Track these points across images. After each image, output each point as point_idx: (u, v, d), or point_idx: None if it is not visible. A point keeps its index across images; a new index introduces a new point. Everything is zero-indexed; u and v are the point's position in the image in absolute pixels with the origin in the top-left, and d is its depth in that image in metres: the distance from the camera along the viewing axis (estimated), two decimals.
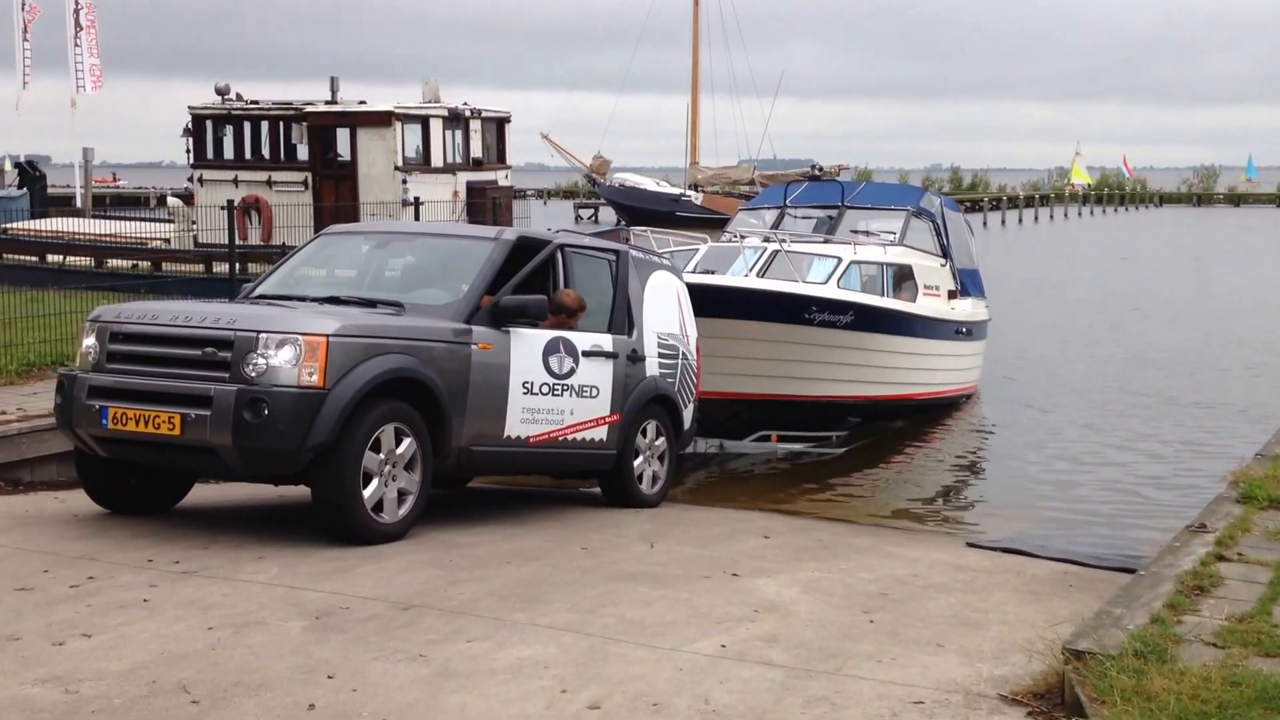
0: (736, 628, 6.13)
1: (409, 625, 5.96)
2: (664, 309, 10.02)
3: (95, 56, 32.39)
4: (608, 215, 65.47)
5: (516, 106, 26.39)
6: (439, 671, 5.36)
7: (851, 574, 7.54)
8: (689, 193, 59.17)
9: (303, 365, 7.30)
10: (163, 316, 7.77)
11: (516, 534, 8.22)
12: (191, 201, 24.50)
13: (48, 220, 23.64)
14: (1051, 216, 78.44)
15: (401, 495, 7.75)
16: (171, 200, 30.19)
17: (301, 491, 8.91)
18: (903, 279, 15.87)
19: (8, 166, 37.26)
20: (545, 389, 8.68)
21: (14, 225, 23.18)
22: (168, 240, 22.74)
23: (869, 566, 7.82)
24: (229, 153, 23.69)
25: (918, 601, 6.90)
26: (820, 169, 54.92)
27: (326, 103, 23.38)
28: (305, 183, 22.78)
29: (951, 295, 17.09)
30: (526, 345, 8.55)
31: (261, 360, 7.32)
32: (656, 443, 9.84)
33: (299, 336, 7.35)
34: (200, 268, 20.07)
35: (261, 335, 7.37)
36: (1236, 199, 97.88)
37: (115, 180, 76.21)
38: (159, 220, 25.66)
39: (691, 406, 10.30)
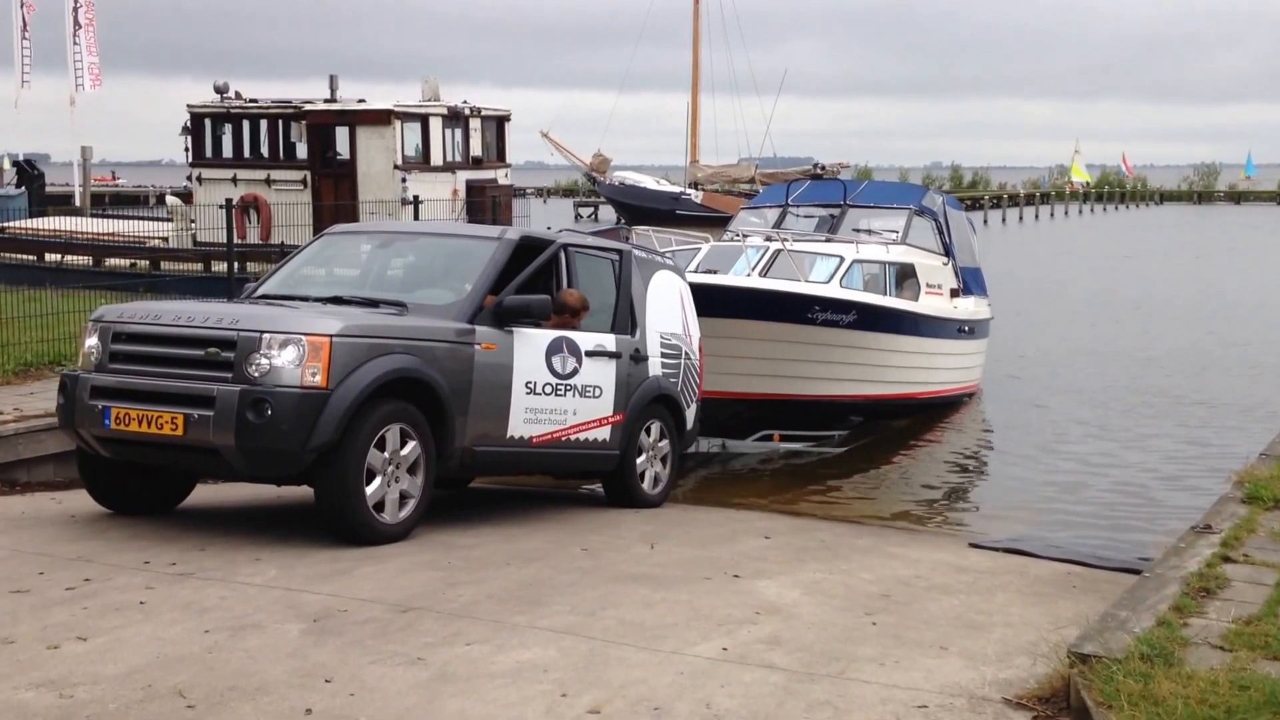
0: (738, 630, 6.07)
1: (407, 628, 5.90)
2: (667, 309, 9.99)
3: (94, 55, 32.32)
4: (607, 214, 65.41)
5: (516, 105, 26.37)
6: (437, 675, 5.31)
7: (853, 575, 7.48)
8: (689, 191, 59.12)
9: (306, 365, 7.27)
10: (165, 316, 7.74)
11: (516, 535, 8.16)
12: (190, 200, 24.44)
13: (46, 219, 23.58)
14: (1052, 215, 78.39)
15: (404, 497, 7.71)
16: (170, 199, 30.12)
17: (299, 492, 8.88)
18: (905, 278, 15.84)
19: (6, 165, 37.24)
20: (548, 389, 8.65)
21: (12, 224, 23.13)
22: (166, 239, 22.67)
23: (871, 567, 7.76)
24: (228, 151, 23.62)
25: (920, 603, 6.84)
26: (823, 167, 54.89)
27: (326, 101, 23.31)
28: (304, 181, 22.72)
29: (954, 294, 17.05)
30: (530, 345, 8.52)
31: (264, 360, 7.29)
32: (659, 443, 9.80)
33: (302, 337, 7.32)
34: (199, 267, 20.00)
35: (265, 335, 7.34)
36: (1237, 197, 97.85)
37: (114, 179, 76.18)
38: (157, 219, 25.57)
39: (694, 406, 10.26)
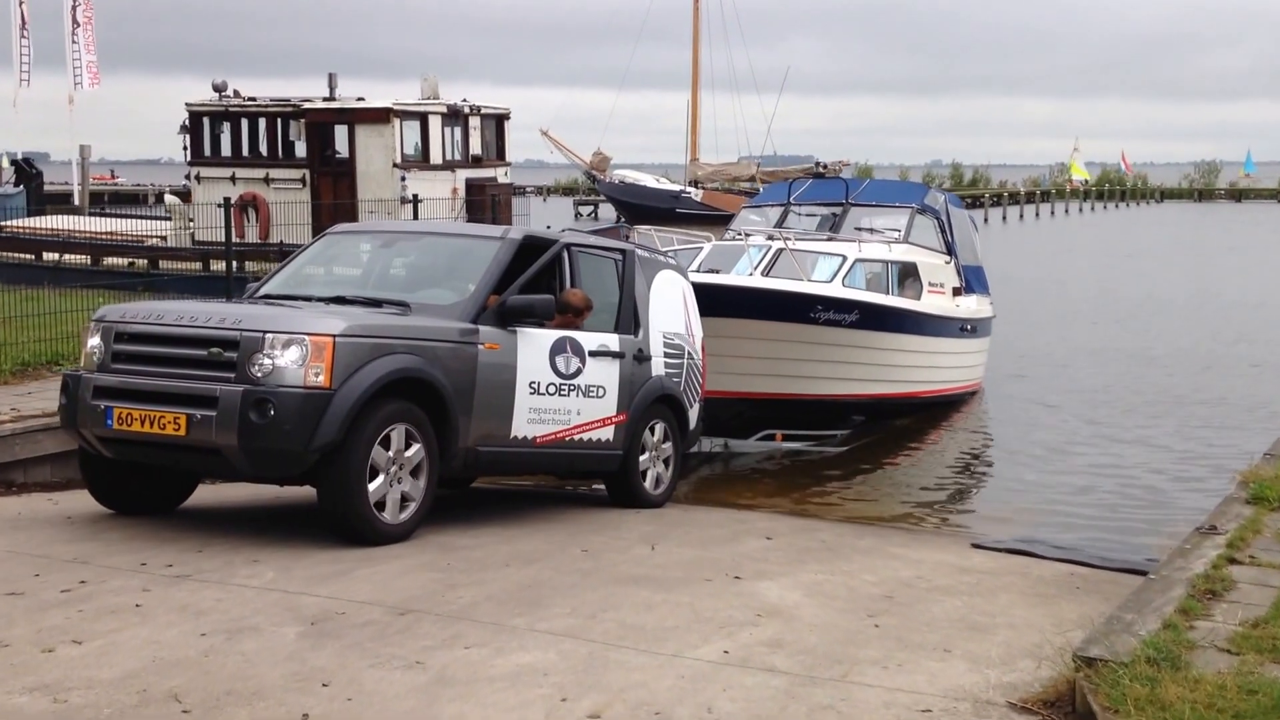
0: (739, 633, 6.02)
1: (406, 631, 5.85)
2: (670, 308, 9.96)
3: (92, 53, 32.26)
4: (607, 212, 65.36)
5: (516, 103, 26.27)
6: (436, 679, 5.25)
7: (855, 576, 7.43)
8: (689, 189, 59.09)
9: (309, 365, 7.24)
10: (168, 316, 7.72)
11: (515, 536, 8.11)
12: (189, 199, 24.37)
13: (44, 218, 23.52)
14: (1053, 213, 78.32)
15: (406, 499, 7.67)
16: (169, 198, 30.06)
17: (298, 493, 8.83)
18: (907, 276, 15.80)
19: (4, 164, 37.16)
20: (552, 389, 8.62)
21: (10, 223, 23.07)
22: (164, 238, 22.61)
23: (873, 568, 7.71)
24: (226, 150, 23.54)
25: (923, 605, 6.79)
26: (824, 166, 54.87)
27: (324, 99, 23.23)
28: (303, 180, 22.64)
29: (956, 292, 17.01)
30: (533, 345, 8.49)
31: (267, 360, 7.26)
32: (663, 443, 9.77)
33: (305, 336, 7.29)
34: (197, 266, 19.94)
35: (267, 335, 7.31)
36: (1238, 194, 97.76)
37: (114, 177, 76.10)
38: (156, 218, 25.50)
39: (697, 406, 10.23)
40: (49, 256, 21.07)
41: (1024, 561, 8.41)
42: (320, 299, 8.41)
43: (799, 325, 13.66)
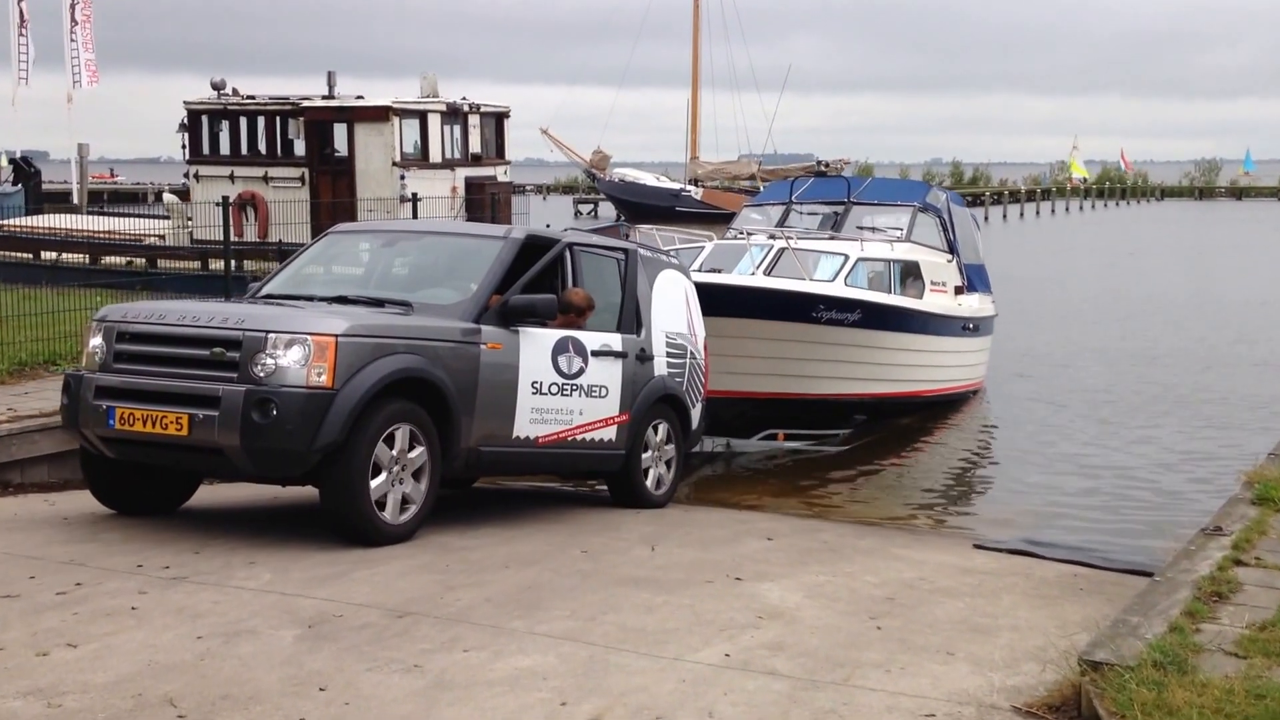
0: (740, 635, 5.97)
1: (403, 634, 5.79)
2: (672, 308, 9.93)
3: (91, 51, 32.19)
4: (607, 210, 65.31)
5: (515, 101, 26.20)
6: (434, 683, 5.20)
7: (857, 578, 7.38)
8: (689, 188, 59.05)
9: (311, 365, 7.22)
10: (170, 316, 7.69)
11: (515, 537, 8.05)
12: (187, 198, 24.30)
13: (42, 216, 23.45)
14: (1053, 211, 78.25)
15: (407, 501, 7.63)
16: (167, 196, 30.01)
17: (296, 493, 8.78)
18: (909, 275, 15.74)
19: (3, 162, 37.11)
20: (554, 389, 8.58)
21: (8, 221, 23.00)
22: (163, 237, 22.54)
23: (875, 569, 7.65)
24: (225, 148, 23.46)
25: (926, 606, 6.74)
26: (825, 164, 54.82)
27: (323, 97, 23.16)
28: (302, 178, 22.57)
29: (958, 291, 16.96)
30: (535, 345, 8.45)
31: (270, 360, 7.23)
32: (665, 444, 9.72)
33: (308, 336, 7.26)
34: (196, 265, 19.88)
35: (270, 335, 7.28)
36: (1239, 192, 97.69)
37: (113, 176, 76.01)
38: (154, 216, 25.44)
39: (700, 406, 10.19)
40: (47, 255, 21.02)
41: (1026, 562, 8.36)
42: (322, 299, 8.38)
43: (801, 325, 13.62)
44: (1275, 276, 35.48)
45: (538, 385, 8.46)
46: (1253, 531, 6.95)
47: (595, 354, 8.92)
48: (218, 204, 16.52)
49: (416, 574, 6.84)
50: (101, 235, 21.62)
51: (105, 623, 5.86)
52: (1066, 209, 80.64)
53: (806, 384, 14.13)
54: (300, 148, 22.93)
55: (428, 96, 23.31)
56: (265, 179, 22.74)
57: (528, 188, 73.17)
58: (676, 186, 60.04)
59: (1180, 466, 12.91)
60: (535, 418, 8.46)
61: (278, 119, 23.03)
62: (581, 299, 8.98)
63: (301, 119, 22.77)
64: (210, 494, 9.28)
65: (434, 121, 22.76)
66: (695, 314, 10.27)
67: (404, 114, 22.45)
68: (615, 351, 9.14)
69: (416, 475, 7.67)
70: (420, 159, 22.63)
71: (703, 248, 14.94)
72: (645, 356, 9.45)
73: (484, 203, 22.76)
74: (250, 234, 22.02)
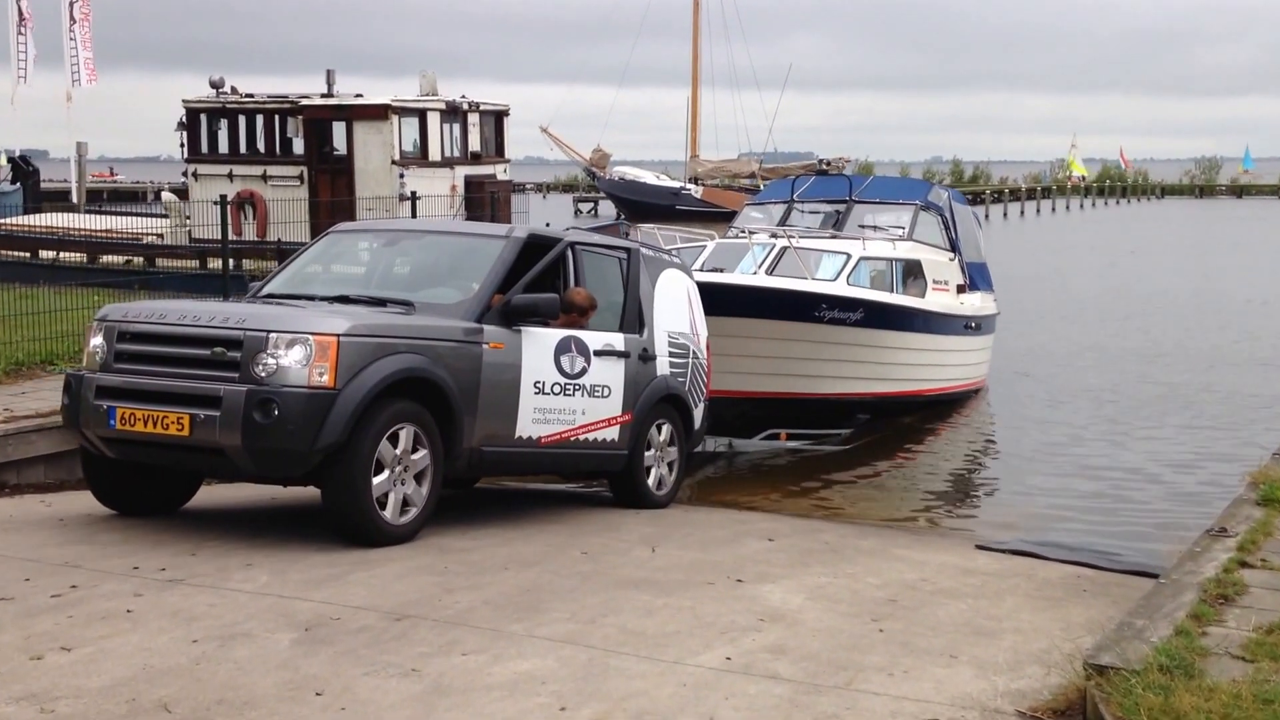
0: (741, 638, 5.91)
1: (401, 637, 5.73)
2: (674, 307, 9.88)
3: (89, 50, 32.09)
4: (607, 209, 65.24)
5: (515, 99, 26.14)
6: (432, 687, 5.14)
7: (859, 579, 7.32)
8: (689, 186, 58.97)
9: (313, 365, 7.18)
10: (171, 316, 7.65)
11: (514, 538, 8.00)
12: (186, 196, 24.23)
13: (41, 215, 23.38)
14: (1053, 209, 78.19)
15: (408, 503, 7.58)
16: (166, 195, 29.92)
17: (295, 494, 8.72)
18: (911, 274, 15.69)
19: (2, 161, 37.04)
20: (557, 389, 8.53)
21: (6, 220, 22.93)
22: (161, 236, 22.47)
23: (877, 571, 7.60)
24: (223, 147, 23.38)
25: (928, 608, 6.68)
26: (826, 163, 54.75)
27: (322, 96, 23.08)
28: (301, 177, 22.49)
29: (960, 289, 16.90)
30: (538, 344, 8.40)
31: (271, 360, 7.19)
32: (668, 444, 9.67)
33: (309, 336, 7.22)
34: (195, 264, 19.82)
35: (271, 335, 7.24)
36: (1239, 190, 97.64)
37: (112, 175, 75.92)
38: (153, 215, 25.36)
39: (702, 406, 10.15)
40: (45, 254, 20.96)
41: (1029, 563, 8.30)
42: (324, 298, 8.34)
43: (804, 324, 13.57)
44: (1277, 275, 35.39)
45: (540, 385, 8.41)
46: (1258, 533, 6.89)
47: (598, 354, 8.87)
48: (216, 203, 16.45)
49: (415, 576, 6.78)
50: (100, 234, 21.55)
51: (100, 626, 5.80)
52: (1067, 207, 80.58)
53: (809, 383, 14.07)
54: (299, 146, 22.85)
55: (427, 95, 23.24)
56: (264, 178, 22.67)
57: (528, 186, 73.11)
58: (676, 185, 59.98)
59: (1184, 466, 12.85)
60: (538, 418, 8.42)
61: (276, 118, 22.95)
62: (584, 298, 8.93)
63: (300, 117, 22.70)
64: (207, 495, 9.21)
65: (433, 120, 22.69)
66: (698, 313, 10.23)
67: (403, 112, 22.38)
68: (618, 351, 9.09)
69: (418, 478, 7.63)
70: (419, 157, 22.55)
71: (704, 247, 14.89)
72: (648, 356, 9.40)
73: (483, 201, 22.69)
74: (249, 233, 21.93)
